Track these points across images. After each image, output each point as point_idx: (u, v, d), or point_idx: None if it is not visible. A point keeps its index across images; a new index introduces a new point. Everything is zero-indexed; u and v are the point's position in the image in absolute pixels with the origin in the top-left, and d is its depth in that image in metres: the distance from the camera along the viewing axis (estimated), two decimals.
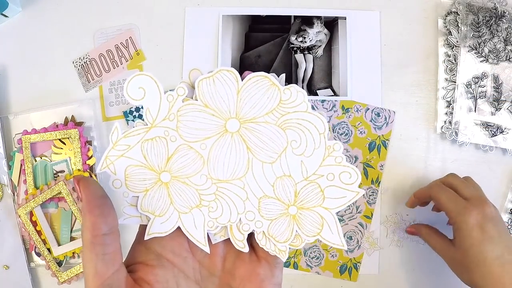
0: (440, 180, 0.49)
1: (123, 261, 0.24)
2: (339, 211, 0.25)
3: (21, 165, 0.54)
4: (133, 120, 0.56)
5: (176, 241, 0.25)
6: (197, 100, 0.23)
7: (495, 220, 0.43)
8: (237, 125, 0.24)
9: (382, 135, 0.55)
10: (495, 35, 0.54)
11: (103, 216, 0.22)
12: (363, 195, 0.55)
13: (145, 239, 0.25)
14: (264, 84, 0.23)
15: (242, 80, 0.23)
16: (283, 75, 0.25)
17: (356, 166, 0.55)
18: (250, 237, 0.26)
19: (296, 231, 0.25)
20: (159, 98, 0.24)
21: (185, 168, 0.24)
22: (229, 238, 0.25)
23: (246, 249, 0.25)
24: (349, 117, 0.56)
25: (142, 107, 0.24)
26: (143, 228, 0.26)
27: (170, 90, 0.23)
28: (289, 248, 0.25)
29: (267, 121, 0.24)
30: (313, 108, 0.54)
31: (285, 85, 0.24)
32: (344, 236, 0.55)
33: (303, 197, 0.25)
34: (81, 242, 0.22)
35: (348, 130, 0.55)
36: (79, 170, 0.53)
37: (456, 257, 0.44)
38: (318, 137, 0.24)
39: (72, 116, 0.56)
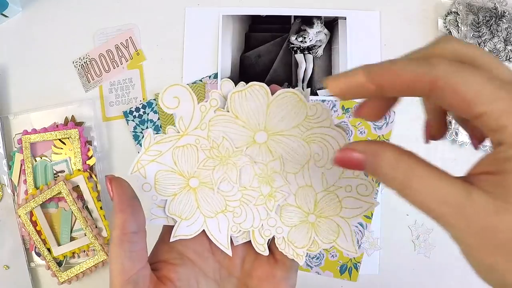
0: (449, 52, 0.20)
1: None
2: (354, 221, 0.27)
3: (21, 165, 0.54)
4: (133, 120, 0.56)
5: (199, 242, 0.26)
6: (228, 111, 0.25)
7: None
8: (265, 137, 0.25)
9: (382, 135, 0.55)
10: (495, 35, 0.54)
11: (133, 215, 0.23)
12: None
13: (170, 241, 0.26)
14: (293, 99, 0.25)
15: (272, 94, 0.25)
16: (308, 90, 0.26)
17: None
18: (269, 240, 0.27)
19: (314, 237, 0.26)
20: (193, 108, 0.25)
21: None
22: (249, 241, 0.27)
23: (266, 252, 0.26)
24: (349, 117, 0.56)
25: (174, 115, 0.25)
26: (167, 228, 0.27)
27: (205, 101, 0.25)
28: (306, 253, 0.26)
29: (293, 135, 0.25)
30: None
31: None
32: None
33: (322, 206, 0.26)
34: (111, 239, 0.23)
35: (348, 130, 0.55)
36: (79, 170, 0.54)
37: (505, 226, 0.18)
38: None
39: (72, 116, 0.56)
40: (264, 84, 0.25)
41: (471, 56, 0.19)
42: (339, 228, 0.26)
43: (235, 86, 0.25)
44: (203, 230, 0.26)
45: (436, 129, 0.25)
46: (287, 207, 0.26)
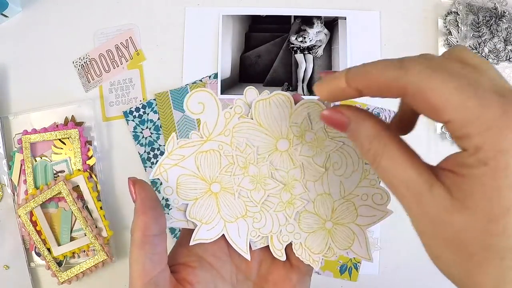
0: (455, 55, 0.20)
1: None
2: (369, 228, 0.27)
3: (21, 165, 0.54)
4: (133, 120, 0.56)
5: (217, 246, 0.27)
6: (252, 119, 0.25)
7: None
8: (287, 145, 0.26)
9: None
10: (495, 35, 0.54)
11: (155, 218, 0.23)
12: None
13: (190, 244, 0.26)
14: (314, 109, 0.25)
15: (295, 103, 0.25)
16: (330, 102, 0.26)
17: None
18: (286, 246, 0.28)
19: (330, 244, 0.27)
20: (217, 114, 0.25)
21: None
22: (266, 245, 0.27)
23: (283, 257, 0.27)
24: None
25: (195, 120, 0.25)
26: (185, 231, 0.27)
27: (229, 108, 0.25)
28: (322, 258, 0.27)
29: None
30: None
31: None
32: None
33: (339, 213, 0.27)
34: (130, 241, 0.23)
35: None
36: (79, 170, 0.54)
37: (456, 223, 0.18)
38: (357, 161, 0.26)
39: (72, 116, 0.56)
40: (288, 94, 0.25)
41: (477, 64, 0.19)
42: (354, 235, 0.27)
43: (259, 94, 0.25)
44: (223, 234, 0.26)
45: (404, 126, 0.24)
46: (305, 213, 0.27)
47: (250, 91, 0.25)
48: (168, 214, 0.26)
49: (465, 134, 0.17)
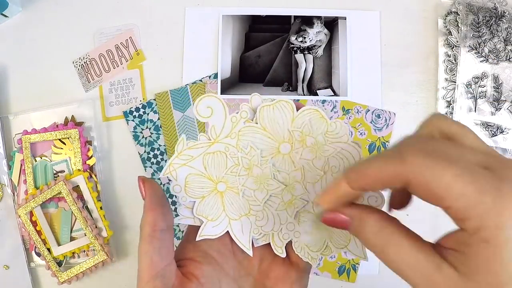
0: (437, 131, 0.22)
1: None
2: None
3: (21, 165, 0.54)
4: (133, 120, 0.56)
5: (222, 242, 0.28)
6: (257, 123, 0.27)
7: None
8: (289, 148, 0.27)
9: (382, 136, 0.55)
10: (495, 35, 0.54)
11: (163, 214, 0.25)
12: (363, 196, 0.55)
13: (196, 239, 0.27)
14: (315, 116, 0.27)
15: (297, 110, 0.27)
16: (328, 110, 0.27)
17: None
18: (286, 243, 0.29)
19: (328, 243, 0.28)
20: (224, 118, 0.27)
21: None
22: (268, 243, 0.29)
23: (283, 254, 0.28)
24: (349, 118, 0.55)
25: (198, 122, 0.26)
26: (191, 228, 0.29)
27: (236, 112, 0.27)
28: (320, 256, 0.28)
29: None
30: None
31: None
32: None
33: None
34: (139, 236, 0.25)
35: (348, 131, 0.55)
36: (79, 170, 0.54)
37: None
38: None
39: (72, 116, 0.56)
40: (290, 101, 0.27)
41: (456, 133, 0.21)
42: (351, 235, 0.28)
43: (263, 100, 0.27)
44: (227, 231, 0.28)
45: (400, 202, 0.26)
46: (305, 213, 0.28)
47: (255, 98, 0.27)
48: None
49: (466, 217, 0.18)
